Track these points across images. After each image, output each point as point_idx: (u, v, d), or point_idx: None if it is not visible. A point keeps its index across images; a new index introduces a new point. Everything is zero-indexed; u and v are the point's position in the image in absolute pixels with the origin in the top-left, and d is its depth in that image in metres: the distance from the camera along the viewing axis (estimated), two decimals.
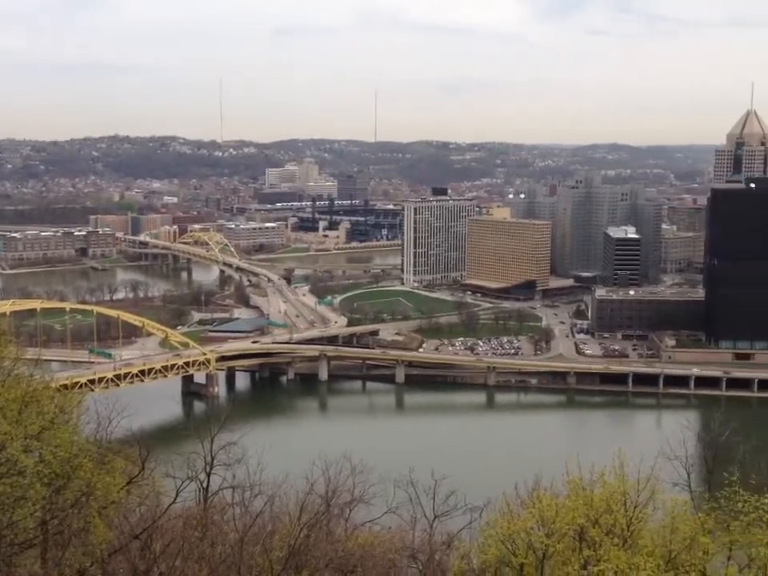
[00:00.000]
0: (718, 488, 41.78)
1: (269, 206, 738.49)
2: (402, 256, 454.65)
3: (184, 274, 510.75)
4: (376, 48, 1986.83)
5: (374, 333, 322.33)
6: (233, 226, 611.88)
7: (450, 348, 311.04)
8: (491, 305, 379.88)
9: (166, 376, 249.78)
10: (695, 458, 52.11)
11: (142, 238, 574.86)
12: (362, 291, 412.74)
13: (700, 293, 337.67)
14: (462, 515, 54.18)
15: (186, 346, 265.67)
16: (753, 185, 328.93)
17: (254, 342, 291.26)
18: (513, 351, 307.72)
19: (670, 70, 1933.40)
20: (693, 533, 36.69)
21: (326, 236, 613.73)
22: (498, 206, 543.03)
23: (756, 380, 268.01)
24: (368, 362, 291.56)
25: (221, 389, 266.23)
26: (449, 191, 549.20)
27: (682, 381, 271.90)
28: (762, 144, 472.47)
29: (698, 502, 42.65)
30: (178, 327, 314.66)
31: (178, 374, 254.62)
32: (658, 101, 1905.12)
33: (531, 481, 46.05)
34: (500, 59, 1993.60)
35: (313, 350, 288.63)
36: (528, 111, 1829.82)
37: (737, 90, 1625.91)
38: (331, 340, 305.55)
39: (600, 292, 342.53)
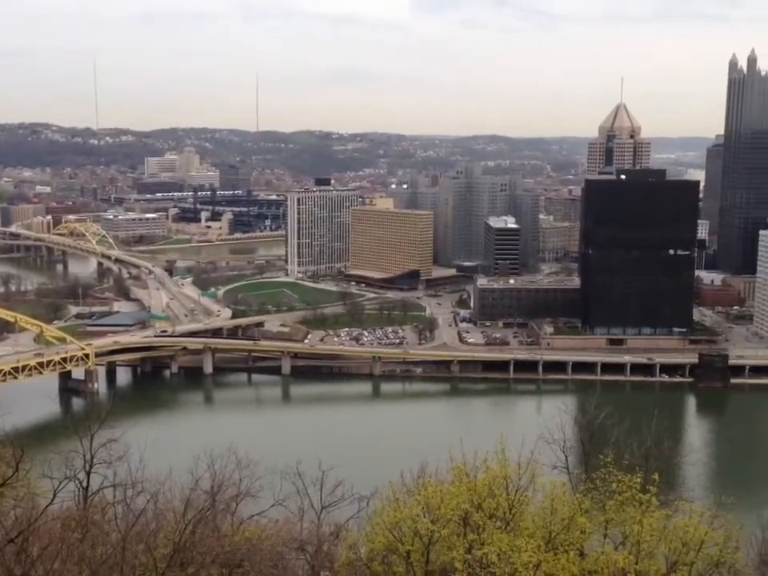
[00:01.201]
0: (594, 469, 43.42)
1: (148, 196, 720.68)
2: (286, 247, 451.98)
3: (59, 267, 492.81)
4: (259, 36, 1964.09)
5: (259, 324, 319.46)
6: (111, 216, 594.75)
7: (336, 338, 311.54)
8: (375, 295, 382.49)
9: (41, 373, 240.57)
10: (573, 441, 53.90)
11: (13, 229, 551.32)
12: (246, 283, 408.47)
13: (576, 281, 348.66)
14: (349, 505, 54.46)
15: (62, 341, 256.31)
16: (623, 176, 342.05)
17: (133, 336, 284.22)
18: (397, 341, 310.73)
19: (547, 63, 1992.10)
20: (571, 513, 37.96)
21: (208, 227, 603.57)
22: (381, 197, 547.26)
23: (628, 365, 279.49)
24: (253, 354, 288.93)
25: (101, 385, 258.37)
26: (332, 181, 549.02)
27: (560, 366, 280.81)
28: (631, 137, 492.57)
29: (576, 484, 44.16)
30: (54, 322, 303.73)
31: (54, 370, 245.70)
32: (535, 94, 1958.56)
33: (417, 469, 46.64)
34: (383, 50, 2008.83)
35: (196, 343, 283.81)
36: (410, 102, 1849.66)
37: (609, 84, 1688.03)
38: (215, 332, 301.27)
39: (481, 281, 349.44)
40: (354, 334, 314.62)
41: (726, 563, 38.84)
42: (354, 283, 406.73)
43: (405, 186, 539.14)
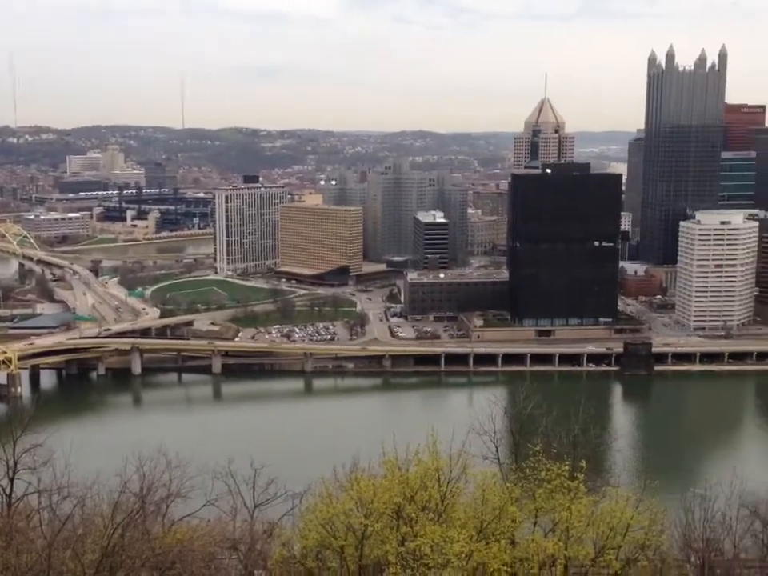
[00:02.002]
0: (524, 459, 44.04)
1: (71, 195, 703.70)
2: (215, 245, 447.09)
3: None
4: (183, 34, 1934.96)
5: (189, 324, 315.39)
6: (32, 216, 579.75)
7: (267, 336, 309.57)
8: (306, 291, 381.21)
9: None
10: (503, 431, 54.51)
11: None
12: (175, 282, 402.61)
13: (505, 274, 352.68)
14: (282, 503, 54.24)
15: None
16: (548, 170, 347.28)
17: (57, 338, 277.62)
18: (329, 337, 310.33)
19: (473, 59, 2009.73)
20: (502, 503, 38.45)
21: (134, 226, 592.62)
22: (310, 193, 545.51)
23: (557, 355, 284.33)
24: (183, 353, 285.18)
25: (24, 389, 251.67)
26: (260, 179, 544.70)
27: (490, 359, 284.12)
28: (556, 131, 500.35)
29: (506, 474, 44.67)
30: None
31: None
32: (462, 90, 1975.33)
33: (349, 464, 46.65)
34: (311, 47, 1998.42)
35: (124, 344, 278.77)
36: (338, 98, 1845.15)
37: (534, 80, 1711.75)
38: (144, 333, 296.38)
39: (412, 276, 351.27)
40: (285, 331, 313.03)
41: (651, 546, 39.87)
42: (284, 280, 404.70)
43: (333, 183, 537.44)
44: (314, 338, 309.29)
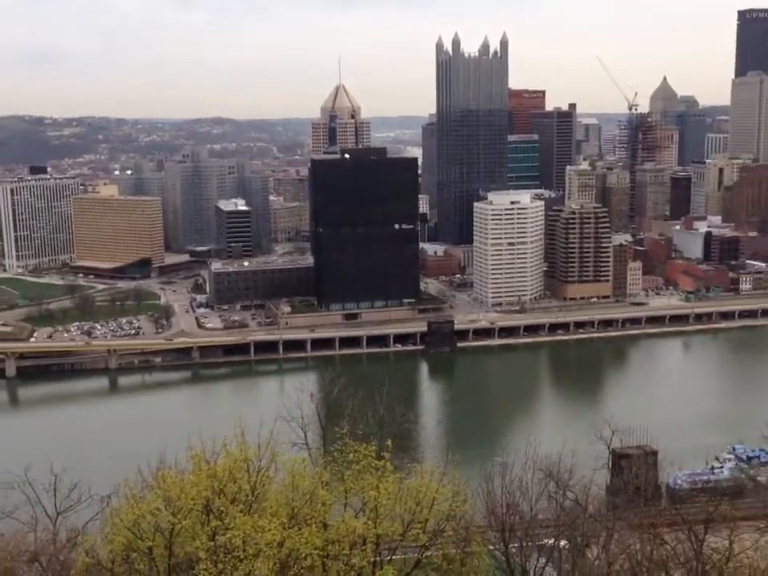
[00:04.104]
0: (333, 442, 44.75)
1: None
2: (2, 241, 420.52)
3: None
4: None
5: None
6: None
7: (66, 334, 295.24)
8: (106, 286, 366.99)
9: None
10: (311, 417, 55.13)
11: None
12: None
13: (309, 260, 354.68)
14: (87, 508, 52.25)
15: None
16: (347, 155, 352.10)
17: None
18: (133, 331, 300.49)
19: (266, 45, 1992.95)
20: (312, 488, 38.88)
21: None
22: (105, 184, 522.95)
23: (364, 337, 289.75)
24: None
25: None
26: (48, 169, 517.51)
27: (299, 345, 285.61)
28: (352, 117, 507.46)
29: (316, 458, 45.24)
30: None
31: None
32: (257, 75, 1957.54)
33: (156, 461, 45.63)
34: (91, 31, 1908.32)
35: None
36: (129, 85, 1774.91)
37: (328, 65, 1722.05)
38: None
39: (216, 265, 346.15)
40: (85, 328, 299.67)
41: (456, 516, 41.63)
42: (81, 275, 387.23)
43: (129, 173, 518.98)
44: (117, 333, 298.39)
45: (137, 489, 39.54)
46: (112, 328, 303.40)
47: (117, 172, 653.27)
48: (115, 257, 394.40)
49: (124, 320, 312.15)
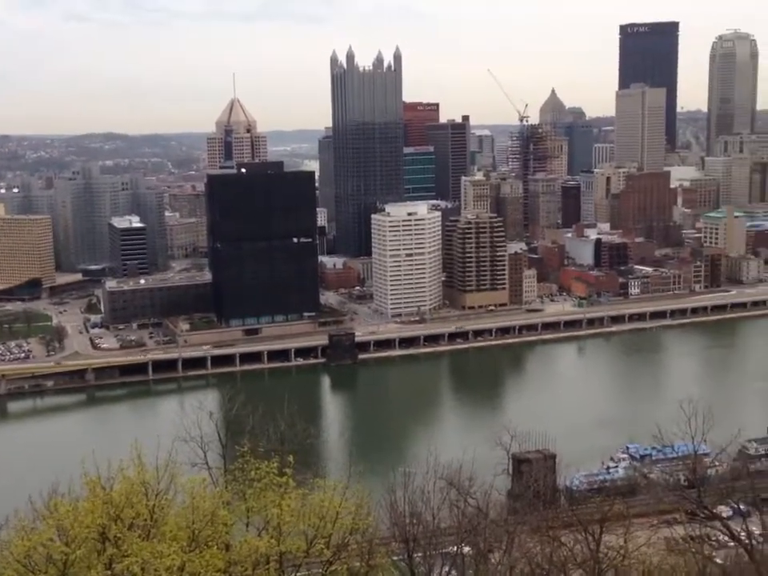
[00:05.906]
0: (233, 461, 44.09)
1: None
2: None
3: None
4: None
5: None
6: None
7: None
8: None
9: None
10: (211, 435, 54.12)
11: None
12: None
13: (207, 276, 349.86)
14: None
15: None
16: (243, 170, 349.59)
17: None
18: (23, 355, 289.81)
19: (161, 59, 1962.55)
20: (213, 508, 38.19)
21: None
22: None
23: (265, 352, 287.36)
24: None
25: None
26: None
27: (199, 362, 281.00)
28: (248, 131, 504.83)
29: (216, 478, 44.44)
30: None
31: None
32: (150, 89, 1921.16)
33: (48, 489, 43.98)
34: None
35: None
36: (12, 101, 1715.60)
37: (223, 80, 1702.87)
38: None
39: (110, 284, 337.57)
40: None
41: (359, 529, 41.57)
42: None
43: (16, 190, 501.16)
44: (6, 357, 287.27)
45: (28, 520, 38.05)
46: (0, 352, 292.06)
47: (2, 190, 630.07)
48: (2, 278, 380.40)
49: (13, 343, 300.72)
